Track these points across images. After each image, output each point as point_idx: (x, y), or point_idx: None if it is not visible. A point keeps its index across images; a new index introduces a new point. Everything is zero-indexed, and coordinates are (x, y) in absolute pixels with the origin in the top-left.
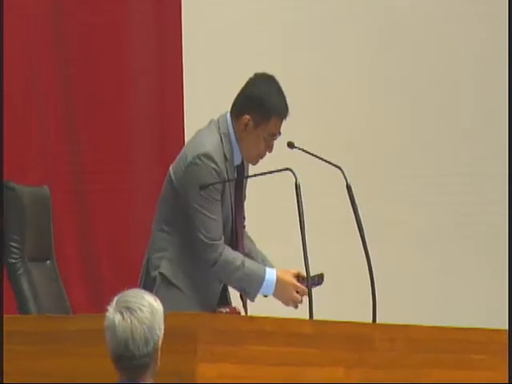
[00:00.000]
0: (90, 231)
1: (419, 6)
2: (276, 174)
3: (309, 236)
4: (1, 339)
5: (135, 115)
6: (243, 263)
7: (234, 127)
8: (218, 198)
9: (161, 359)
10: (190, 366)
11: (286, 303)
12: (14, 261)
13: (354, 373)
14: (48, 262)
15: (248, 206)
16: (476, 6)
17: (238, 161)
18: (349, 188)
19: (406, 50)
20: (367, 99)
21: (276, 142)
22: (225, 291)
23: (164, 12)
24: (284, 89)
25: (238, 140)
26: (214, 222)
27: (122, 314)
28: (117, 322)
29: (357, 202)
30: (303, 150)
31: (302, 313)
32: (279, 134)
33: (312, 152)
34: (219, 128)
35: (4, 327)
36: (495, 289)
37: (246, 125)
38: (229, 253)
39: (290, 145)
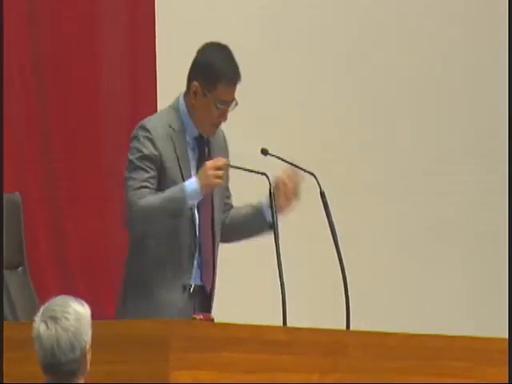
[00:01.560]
0: (64, 237)
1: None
2: (250, 179)
3: (283, 242)
4: (1, 340)
5: (109, 118)
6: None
7: (185, 100)
8: (148, 169)
9: (134, 366)
10: (164, 373)
11: (211, 184)
12: None
13: (329, 379)
14: (20, 268)
15: None
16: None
17: (193, 133)
18: (322, 194)
19: (381, 50)
20: (343, 103)
21: (251, 148)
22: (209, 300)
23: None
24: (259, 93)
25: (189, 112)
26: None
27: (46, 323)
28: (42, 331)
29: (332, 207)
30: (277, 157)
31: (275, 320)
32: (235, 101)
33: (286, 159)
34: (170, 104)
35: None
36: (473, 295)
37: (196, 92)
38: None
39: (264, 152)
